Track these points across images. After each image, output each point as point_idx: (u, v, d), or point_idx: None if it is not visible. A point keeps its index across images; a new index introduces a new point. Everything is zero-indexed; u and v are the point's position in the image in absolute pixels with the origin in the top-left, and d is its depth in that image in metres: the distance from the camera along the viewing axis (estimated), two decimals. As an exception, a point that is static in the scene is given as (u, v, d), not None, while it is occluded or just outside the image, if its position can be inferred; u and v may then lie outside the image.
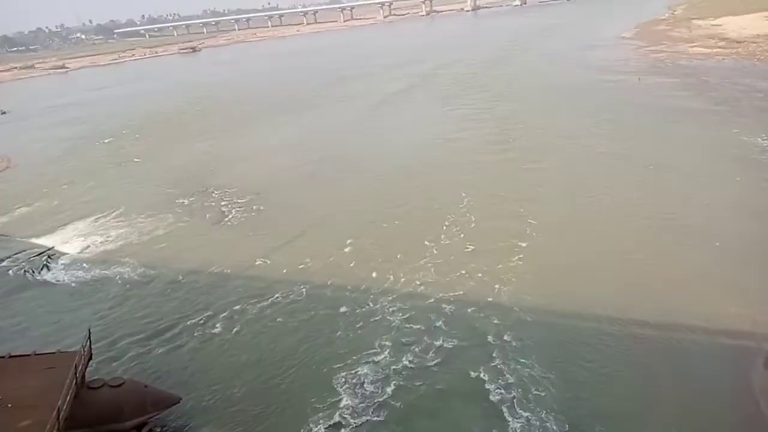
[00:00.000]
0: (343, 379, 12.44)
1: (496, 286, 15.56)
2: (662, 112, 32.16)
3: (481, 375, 12.06)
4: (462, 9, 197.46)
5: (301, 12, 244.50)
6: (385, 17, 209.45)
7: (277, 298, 16.47)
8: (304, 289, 16.76)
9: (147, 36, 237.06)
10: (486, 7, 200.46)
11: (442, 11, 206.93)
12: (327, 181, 26.95)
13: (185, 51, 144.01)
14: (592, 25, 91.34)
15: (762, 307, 13.30)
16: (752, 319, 12.90)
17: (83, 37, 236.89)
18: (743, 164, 23.04)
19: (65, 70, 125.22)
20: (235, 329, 15.04)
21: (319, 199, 24.61)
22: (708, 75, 39.80)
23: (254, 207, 24.45)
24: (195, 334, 14.92)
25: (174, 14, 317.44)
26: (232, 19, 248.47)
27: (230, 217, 23.78)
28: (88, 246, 21.83)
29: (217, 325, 15.27)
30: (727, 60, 44.36)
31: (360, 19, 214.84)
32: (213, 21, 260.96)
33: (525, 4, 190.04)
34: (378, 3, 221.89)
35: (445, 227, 19.91)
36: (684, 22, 73.19)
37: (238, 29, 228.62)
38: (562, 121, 32.63)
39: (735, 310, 13.34)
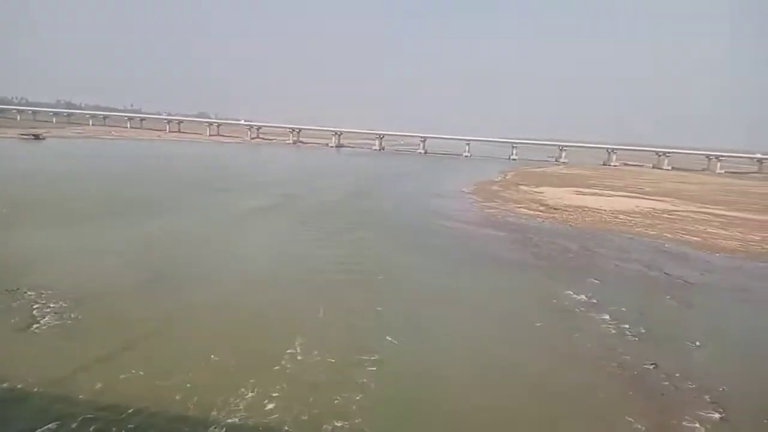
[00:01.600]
0: None
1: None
2: (491, 259, 35.51)
3: None
4: (327, 144, 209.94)
5: (165, 118, 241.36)
6: (252, 139, 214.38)
7: (78, 425, 14.10)
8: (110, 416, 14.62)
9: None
10: (349, 147, 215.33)
11: (308, 143, 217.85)
12: (165, 292, 25.01)
13: (26, 137, 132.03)
14: (438, 176, 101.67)
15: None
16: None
17: None
18: (559, 313, 26.04)
19: None
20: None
21: (153, 310, 22.57)
22: (531, 233, 45.19)
23: (73, 315, 21.61)
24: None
25: (21, 98, 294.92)
26: (88, 114, 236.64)
27: (41, 323, 20.65)
28: None
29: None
30: (546, 222, 50.90)
31: (226, 136, 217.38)
32: (65, 112, 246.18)
33: (383, 149, 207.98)
34: (246, 124, 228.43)
35: (288, 354, 19.17)
36: (513, 186, 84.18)
37: (93, 125, 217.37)
38: (397, 252, 34.71)
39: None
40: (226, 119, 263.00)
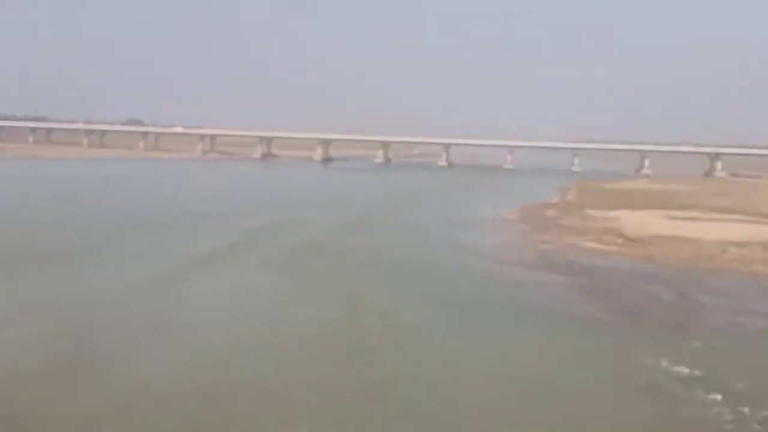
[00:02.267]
0: None
1: None
2: (549, 317, 35.10)
3: None
4: (310, 157, 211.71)
5: (82, 128, 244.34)
6: (204, 153, 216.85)
7: None
8: None
9: None
10: (341, 160, 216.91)
11: (283, 156, 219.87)
12: (83, 378, 24.73)
13: None
14: (470, 198, 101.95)
15: None
16: None
17: None
18: (651, 396, 25.33)
19: None
20: None
21: (61, 404, 22.27)
22: (603, 276, 44.99)
23: None
24: None
25: None
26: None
27: None
28: None
29: None
30: (623, 261, 50.72)
31: (168, 150, 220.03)
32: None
33: (389, 162, 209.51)
34: (197, 134, 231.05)
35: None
36: (576, 210, 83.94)
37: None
38: (422, 316, 34.32)
39: None
40: (167, 127, 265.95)
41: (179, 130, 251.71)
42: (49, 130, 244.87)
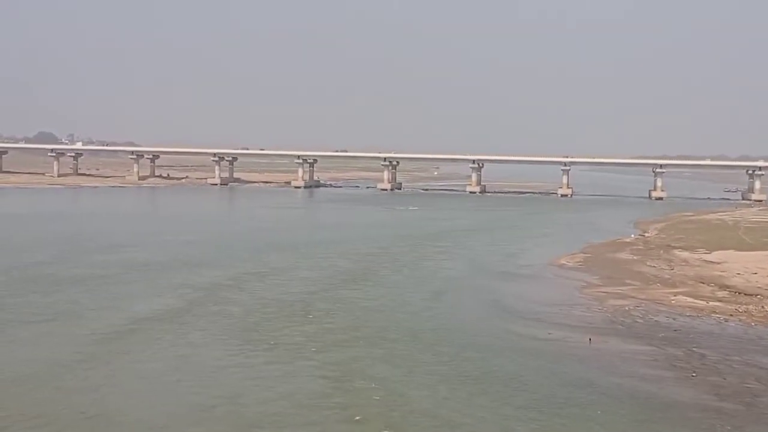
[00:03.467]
0: None
1: None
2: (628, 405, 34.14)
3: None
4: (289, 183, 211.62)
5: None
6: (141, 179, 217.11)
7: None
8: None
9: None
10: (331, 185, 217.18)
11: (252, 183, 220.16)
12: None
13: None
14: (512, 237, 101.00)
15: None
16: None
17: None
18: None
19: None
20: None
21: None
22: (703, 345, 43.96)
23: None
24: None
25: None
26: None
27: None
28: None
29: None
30: (731, 322, 49.85)
31: (94, 175, 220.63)
32: None
33: (399, 189, 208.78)
34: (133, 155, 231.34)
35: None
36: (661, 252, 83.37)
37: None
38: (446, 413, 33.35)
39: None
40: (91, 144, 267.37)
41: (108, 148, 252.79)
42: None
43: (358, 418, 31.97)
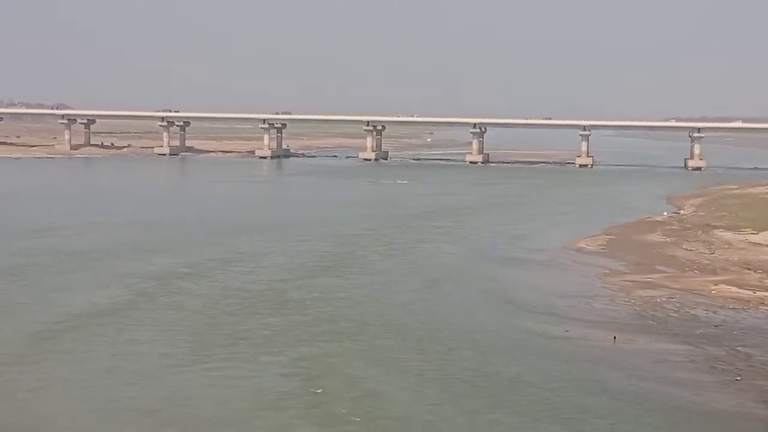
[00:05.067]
0: None
1: None
2: (662, 416, 34.24)
3: None
4: (252, 152, 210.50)
5: None
6: (74, 148, 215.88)
7: None
8: None
9: None
10: (303, 155, 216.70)
11: (211, 153, 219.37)
12: None
13: None
14: (521, 216, 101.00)
15: None
16: None
17: None
18: None
19: None
20: None
21: None
22: (749, 343, 44.11)
23: None
24: None
25: None
26: None
27: None
28: None
29: None
30: (782, 315, 49.88)
31: (14, 144, 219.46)
32: None
33: (384, 159, 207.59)
34: (63, 120, 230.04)
35: None
36: (699, 233, 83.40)
37: None
38: (430, 421, 33.41)
39: None
40: (12, 106, 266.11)
41: (33, 110, 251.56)
42: None
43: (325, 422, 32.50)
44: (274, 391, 36.89)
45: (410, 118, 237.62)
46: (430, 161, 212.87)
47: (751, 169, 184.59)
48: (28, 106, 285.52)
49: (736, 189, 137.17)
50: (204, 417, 33.97)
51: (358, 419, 33.33)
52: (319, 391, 36.57)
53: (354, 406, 34.74)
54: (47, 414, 34.08)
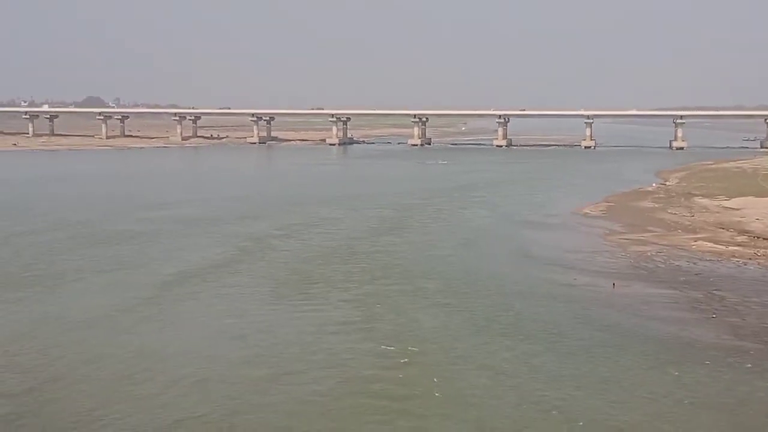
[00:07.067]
0: None
1: None
2: (652, 346, 33.87)
3: None
4: (324, 140, 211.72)
5: (26, 111, 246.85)
6: (184, 139, 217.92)
7: None
8: None
9: None
10: (364, 142, 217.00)
11: (289, 141, 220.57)
12: None
13: None
14: (536, 188, 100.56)
15: None
16: None
17: None
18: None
19: None
20: None
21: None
22: (723, 287, 43.68)
23: None
24: None
25: None
26: None
27: None
28: None
29: None
30: (750, 265, 49.57)
31: (140, 136, 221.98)
32: None
33: (428, 145, 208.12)
34: (175, 116, 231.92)
35: None
36: (682, 200, 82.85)
37: None
38: (482, 354, 33.18)
39: None
40: (136, 107, 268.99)
41: (152, 110, 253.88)
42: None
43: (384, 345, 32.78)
44: (339, 319, 38.12)
45: (448, 112, 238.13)
46: (465, 145, 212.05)
47: (723, 148, 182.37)
48: (148, 106, 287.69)
49: (712, 164, 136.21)
50: (284, 339, 35.18)
51: (402, 337, 34.63)
52: (374, 319, 37.82)
53: (398, 329, 36.04)
54: (169, 337, 35.49)
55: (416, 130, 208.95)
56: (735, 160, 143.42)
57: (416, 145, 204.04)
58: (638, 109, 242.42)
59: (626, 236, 61.21)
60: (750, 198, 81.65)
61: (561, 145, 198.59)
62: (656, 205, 79.29)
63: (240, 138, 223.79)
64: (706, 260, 51.35)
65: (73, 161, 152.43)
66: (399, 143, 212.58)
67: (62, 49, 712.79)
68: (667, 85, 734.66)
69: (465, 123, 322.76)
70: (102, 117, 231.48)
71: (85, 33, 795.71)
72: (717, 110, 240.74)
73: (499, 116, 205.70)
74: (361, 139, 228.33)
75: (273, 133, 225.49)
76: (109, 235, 62.43)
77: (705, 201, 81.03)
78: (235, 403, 27.93)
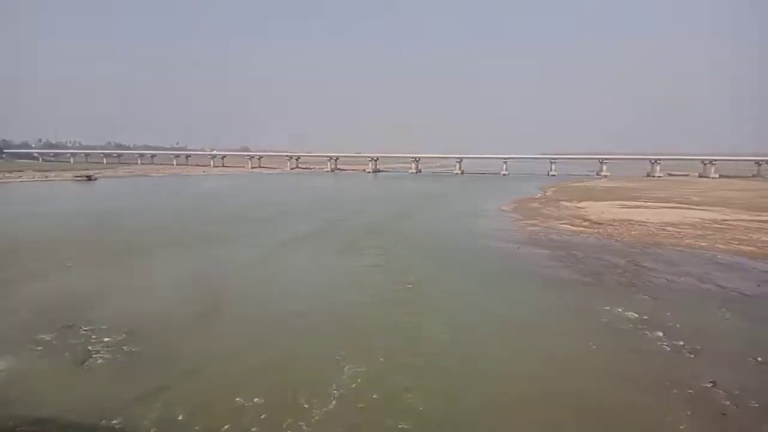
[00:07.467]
0: None
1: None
2: (536, 277, 34.82)
3: None
4: (364, 170, 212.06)
5: (209, 154, 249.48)
6: (291, 168, 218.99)
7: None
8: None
9: (40, 159, 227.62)
10: (385, 171, 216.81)
11: (346, 170, 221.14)
12: (225, 325, 25.60)
13: (80, 178, 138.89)
14: (478, 196, 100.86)
15: None
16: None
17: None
18: (610, 331, 25.21)
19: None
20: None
21: (205, 345, 23.12)
22: (575, 249, 44.08)
23: (126, 348, 22.32)
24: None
25: (75, 142, 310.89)
26: (137, 154, 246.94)
27: (96, 357, 21.41)
28: None
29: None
30: (590, 238, 49.63)
31: (268, 167, 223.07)
32: (115, 153, 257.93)
33: (419, 172, 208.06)
34: (286, 156, 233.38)
35: None
36: (554, 202, 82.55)
37: (141, 163, 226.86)
38: (439, 276, 34.37)
39: None
40: (266, 151, 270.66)
41: (275, 153, 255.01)
42: (188, 156, 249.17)
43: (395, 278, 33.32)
44: (364, 264, 37.81)
45: (431, 155, 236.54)
46: (439, 173, 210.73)
47: (576, 175, 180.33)
48: (273, 150, 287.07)
49: (572, 184, 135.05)
50: (336, 272, 35.63)
51: (402, 272, 34.07)
52: (390, 264, 37.39)
53: (401, 269, 35.49)
54: (280, 275, 35.54)
55: (413, 165, 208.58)
56: (582, 182, 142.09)
57: (413, 172, 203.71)
58: (531, 153, 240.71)
59: (524, 222, 61.23)
60: (591, 201, 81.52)
61: (491, 173, 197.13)
62: (540, 205, 78.91)
63: (320, 168, 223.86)
64: (567, 235, 51.49)
65: (235, 179, 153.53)
66: (404, 171, 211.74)
67: (223, 113, 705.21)
68: (548, 134, 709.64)
69: (439, 161, 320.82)
70: (248, 156, 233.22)
71: (236, 107, 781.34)
72: (573, 154, 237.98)
73: (457, 158, 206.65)
74: (383, 170, 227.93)
75: (339, 166, 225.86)
76: (251, 219, 62.92)
77: (566, 203, 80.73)
78: (315, 302, 29.06)
